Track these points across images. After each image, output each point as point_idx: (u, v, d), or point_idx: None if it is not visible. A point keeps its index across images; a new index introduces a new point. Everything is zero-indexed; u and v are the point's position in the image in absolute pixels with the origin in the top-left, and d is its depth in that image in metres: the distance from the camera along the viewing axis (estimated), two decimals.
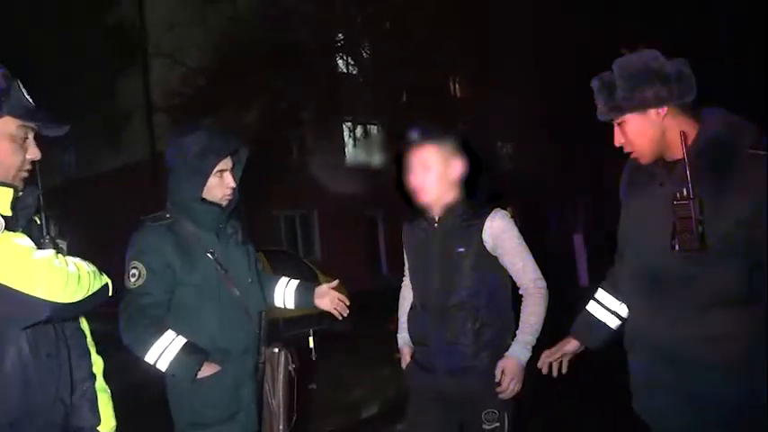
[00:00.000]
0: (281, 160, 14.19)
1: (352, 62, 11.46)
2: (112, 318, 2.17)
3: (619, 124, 1.79)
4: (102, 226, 12.70)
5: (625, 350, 1.94)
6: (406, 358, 2.49)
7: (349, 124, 13.89)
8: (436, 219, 2.36)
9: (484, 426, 2.25)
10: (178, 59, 10.36)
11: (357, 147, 14.45)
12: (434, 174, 2.31)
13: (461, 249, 2.28)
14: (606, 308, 2.10)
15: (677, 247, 1.65)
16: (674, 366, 1.73)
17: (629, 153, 1.83)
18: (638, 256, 1.85)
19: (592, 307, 2.14)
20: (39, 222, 1.62)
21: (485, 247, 2.28)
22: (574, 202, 12.67)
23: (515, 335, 2.31)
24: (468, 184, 2.39)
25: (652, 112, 1.72)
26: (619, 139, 1.82)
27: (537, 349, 2.27)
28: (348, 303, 2.48)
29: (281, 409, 2.30)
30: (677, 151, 1.71)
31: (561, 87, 9.42)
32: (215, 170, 2.20)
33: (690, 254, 1.64)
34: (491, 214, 2.30)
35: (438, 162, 2.31)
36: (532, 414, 2.75)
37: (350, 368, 6.63)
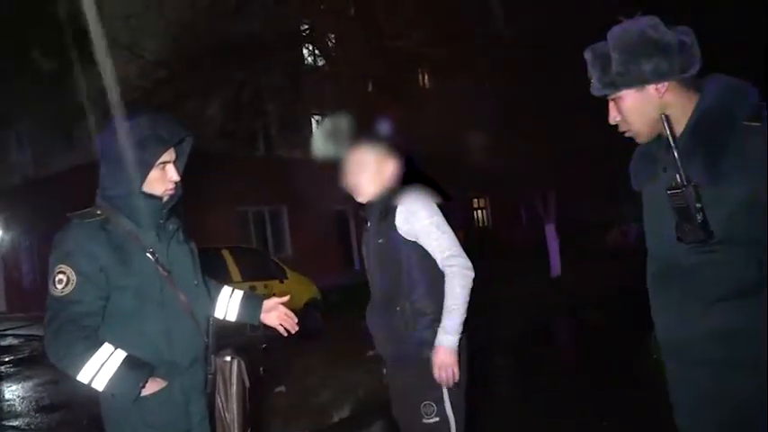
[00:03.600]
0: (246, 154, 13.75)
1: (318, 53, 11.18)
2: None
3: (614, 100, 1.64)
4: (59, 226, 12.22)
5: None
6: None
7: (317, 117, 13.61)
8: (368, 216, 2.40)
9: (423, 420, 2.20)
10: (135, 52, 9.94)
11: (325, 140, 14.17)
12: (368, 174, 2.36)
13: (381, 241, 2.30)
14: None
15: (681, 238, 1.53)
16: (685, 364, 1.62)
17: (624, 132, 1.68)
18: (649, 248, 1.72)
19: None
20: None
21: (400, 234, 2.25)
22: (545, 193, 12.63)
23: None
24: (407, 185, 2.38)
25: (651, 88, 1.57)
26: (614, 116, 1.67)
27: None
28: (296, 320, 2.33)
29: (236, 423, 2.09)
30: (680, 130, 1.57)
31: (533, 77, 9.32)
32: (158, 162, 1.96)
33: (695, 244, 1.52)
34: (401, 199, 2.28)
35: (371, 162, 2.36)
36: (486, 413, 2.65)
37: (321, 367, 6.41)
